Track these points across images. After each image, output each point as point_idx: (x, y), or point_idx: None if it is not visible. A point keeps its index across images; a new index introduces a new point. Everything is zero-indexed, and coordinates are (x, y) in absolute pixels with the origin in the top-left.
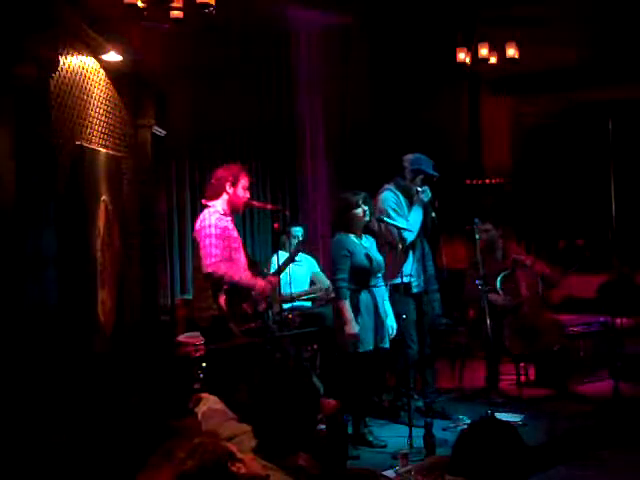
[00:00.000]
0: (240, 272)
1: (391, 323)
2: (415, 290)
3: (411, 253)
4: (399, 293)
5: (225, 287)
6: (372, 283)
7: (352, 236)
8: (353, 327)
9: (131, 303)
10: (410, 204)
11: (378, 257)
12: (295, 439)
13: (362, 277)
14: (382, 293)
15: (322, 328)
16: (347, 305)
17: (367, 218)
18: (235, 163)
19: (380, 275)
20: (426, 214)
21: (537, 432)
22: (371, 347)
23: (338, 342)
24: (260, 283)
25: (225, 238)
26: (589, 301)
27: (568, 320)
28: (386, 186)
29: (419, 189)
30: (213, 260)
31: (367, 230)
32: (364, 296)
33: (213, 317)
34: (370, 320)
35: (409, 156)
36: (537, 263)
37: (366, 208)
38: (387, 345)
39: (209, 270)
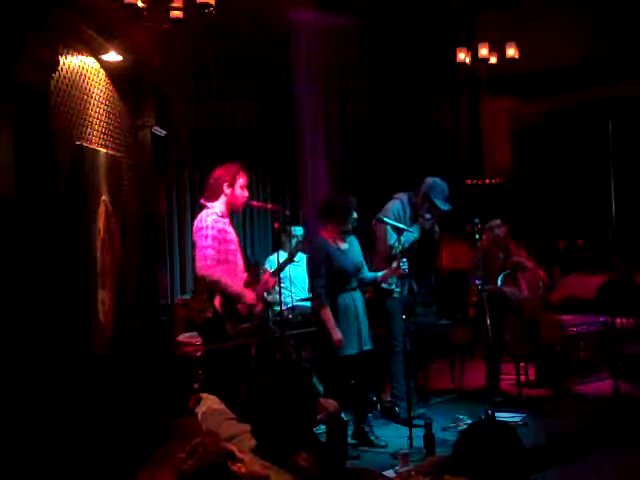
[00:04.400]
0: (234, 278)
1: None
2: (396, 296)
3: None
4: (387, 294)
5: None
6: (352, 286)
7: (329, 241)
8: (336, 333)
9: (131, 303)
10: (416, 219)
11: (356, 260)
12: (292, 438)
13: (342, 281)
14: (360, 295)
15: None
16: (328, 312)
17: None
18: (232, 162)
19: (363, 276)
20: (425, 238)
21: (537, 432)
22: (354, 351)
23: (321, 346)
24: (250, 296)
25: (222, 240)
26: (589, 301)
27: (568, 320)
28: (398, 195)
29: (425, 215)
30: (209, 263)
31: (356, 231)
32: (342, 300)
33: (208, 317)
34: (350, 324)
35: (428, 179)
36: (537, 271)
37: (354, 217)
38: (370, 347)
39: (202, 273)
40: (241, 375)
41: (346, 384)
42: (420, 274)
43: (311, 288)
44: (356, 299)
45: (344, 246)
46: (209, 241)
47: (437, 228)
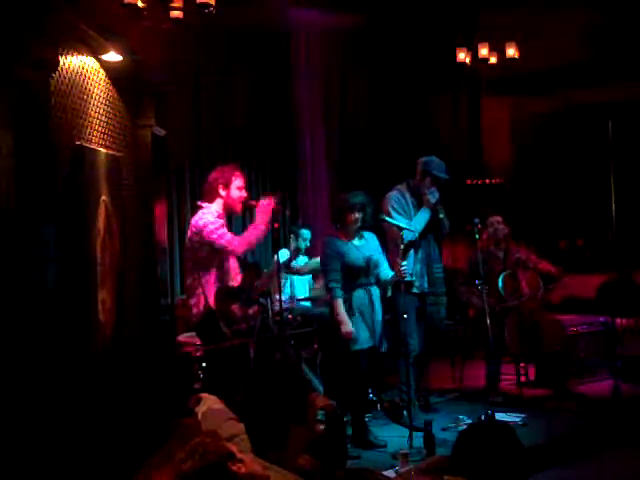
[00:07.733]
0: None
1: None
2: (415, 290)
3: (412, 253)
4: (399, 291)
5: (214, 288)
6: (366, 281)
7: (340, 238)
8: (347, 326)
9: (131, 303)
10: (419, 205)
11: (374, 255)
12: (280, 431)
13: (355, 276)
14: (377, 291)
15: (322, 328)
16: (340, 304)
17: (359, 224)
18: (228, 164)
19: (378, 272)
20: (435, 216)
21: (537, 432)
22: (365, 346)
23: (334, 340)
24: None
25: None
26: (589, 301)
27: (568, 320)
28: (396, 186)
29: (426, 191)
30: (232, 240)
31: (372, 228)
32: (358, 295)
33: (202, 317)
34: (364, 319)
35: (422, 158)
36: (541, 263)
37: (359, 215)
38: (384, 348)
39: (230, 249)
40: (240, 375)
41: (349, 381)
42: (429, 260)
43: (325, 283)
44: (372, 295)
45: (357, 242)
46: (220, 230)
47: (447, 222)
